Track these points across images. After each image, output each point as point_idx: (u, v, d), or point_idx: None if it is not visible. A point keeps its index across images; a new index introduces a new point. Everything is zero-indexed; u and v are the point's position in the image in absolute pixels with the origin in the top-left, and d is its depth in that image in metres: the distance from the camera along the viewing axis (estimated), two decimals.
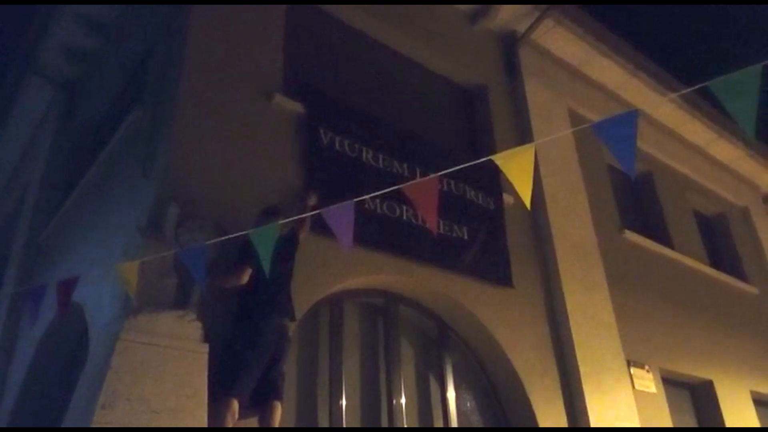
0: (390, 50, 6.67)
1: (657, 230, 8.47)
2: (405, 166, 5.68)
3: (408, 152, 5.80)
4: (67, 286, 3.85)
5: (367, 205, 5.09)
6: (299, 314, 4.31)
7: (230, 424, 3.59)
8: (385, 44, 6.62)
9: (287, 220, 3.77)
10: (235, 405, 3.64)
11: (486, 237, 5.93)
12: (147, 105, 5.21)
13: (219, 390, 3.64)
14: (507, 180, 5.68)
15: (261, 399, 3.84)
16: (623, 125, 2.66)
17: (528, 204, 2.83)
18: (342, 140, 5.39)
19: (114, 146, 5.62)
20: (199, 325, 3.73)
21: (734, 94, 2.42)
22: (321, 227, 4.31)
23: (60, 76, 7.95)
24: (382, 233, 5.20)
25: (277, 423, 3.82)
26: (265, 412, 3.82)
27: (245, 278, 3.94)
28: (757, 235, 10.42)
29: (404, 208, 5.41)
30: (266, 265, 3.24)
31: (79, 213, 6.04)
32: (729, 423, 7.23)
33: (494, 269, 5.86)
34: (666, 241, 8.34)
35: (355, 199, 3.20)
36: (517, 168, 2.87)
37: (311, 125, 5.26)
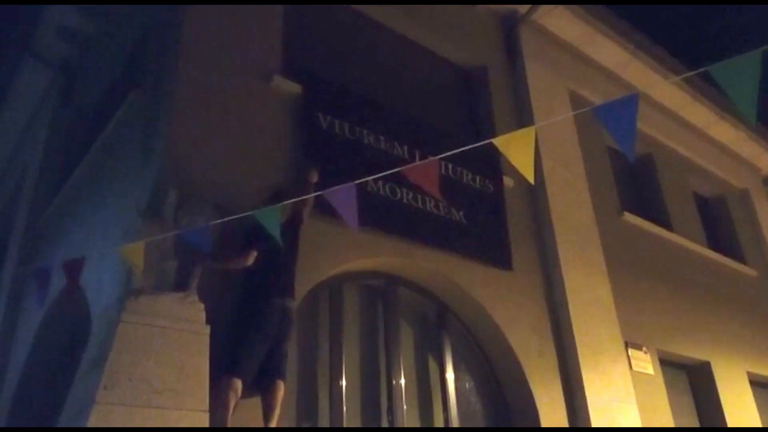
0: (389, 31, 6.63)
1: (656, 212, 8.47)
2: (405, 148, 5.67)
3: (408, 134, 5.79)
4: (74, 265, 3.88)
5: (369, 188, 5.10)
6: (299, 297, 4.34)
7: (232, 403, 3.64)
8: (384, 25, 6.57)
9: (294, 200, 3.78)
10: (238, 384, 3.69)
11: (486, 219, 5.94)
12: (145, 87, 5.20)
13: (222, 369, 3.68)
14: (507, 163, 5.69)
15: (264, 378, 3.88)
16: (623, 109, 2.66)
17: (532, 179, 2.85)
18: (341, 123, 5.38)
19: (113, 129, 5.61)
20: (200, 306, 3.76)
21: (735, 79, 2.41)
22: (320, 209, 4.34)
23: (57, 58, 7.90)
24: (383, 215, 5.20)
25: (279, 401, 3.87)
26: (267, 390, 3.87)
27: (250, 260, 3.99)
28: (757, 217, 10.42)
29: (404, 190, 5.41)
30: (278, 241, 3.33)
31: (78, 196, 6.05)
32: (726, 404, 7.29)
33: (493, 251, 5.88)
34: (665, 223, 8.35)
35: (356, 181, 3.21)
36: (517, 150, 2.88)
37: (310, 108, 5.25)
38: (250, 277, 4.07)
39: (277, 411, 3.86)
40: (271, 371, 3.90)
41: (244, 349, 3.80)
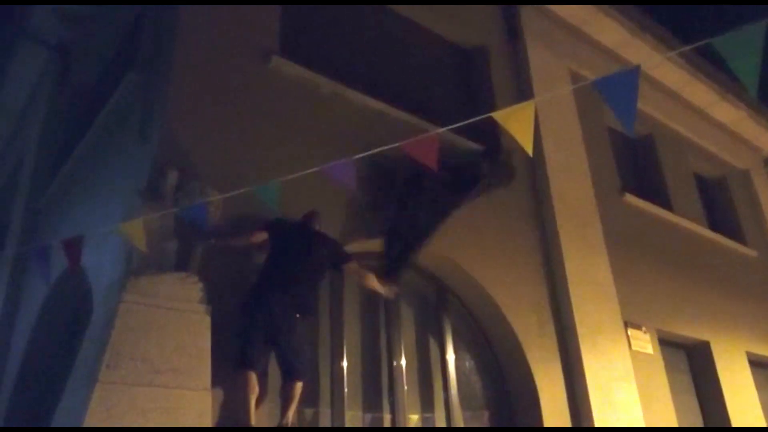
0: (389, 11, 6.56)
1: (657, 193, 8.46)
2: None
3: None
4: (74, 244, 3.90)
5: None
6: None
7: (252, 397, 3.68)
8: (384, 5, 6.51)
9: None
10: (253, 377, 3.72)
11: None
12: (143, 67, 5.16)
13: (234, 363, 3.74)
14: (507, 144, 5.67)
15: (284, 378, 3.94)
16: (624, 82, 2.65)
17: (530, 151, 2.88)
18: None
19: (110, 109, 5.58)
20: (201, 286, 3.78)
21: (737, 52, 2.39)
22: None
23: (54, 39, 7.83)
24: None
25: (296, 399, 3.91)
26: (286, 389, 3.92)
27: (256, 239, 4.08)
28: (758, 198, 10.39)
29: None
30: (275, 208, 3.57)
31: (78, 177, 6.04)
32: (725, 383, 7.34)
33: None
34: (666, 204, 8.34)
35: (355, 156, 3.30)
36: (517, 124, 2.90)
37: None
38: (262, 271, 4.08)
39: (294, 407, 3.90)
40: (289, 373, 3.92)
41: (242, 342, 3.82)
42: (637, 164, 8.80)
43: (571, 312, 6.00)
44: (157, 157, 4.21)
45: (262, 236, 4.07)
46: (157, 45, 5.08)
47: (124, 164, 4.86)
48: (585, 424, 5.59)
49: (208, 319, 3.62)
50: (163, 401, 3.15)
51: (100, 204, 5.12)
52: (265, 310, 3.88)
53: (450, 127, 3.38)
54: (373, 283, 4.46)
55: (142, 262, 3.70)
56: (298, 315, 4.01)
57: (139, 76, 5.13)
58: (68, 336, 5.70)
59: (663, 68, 9.05)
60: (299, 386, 3.92)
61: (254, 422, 3.66)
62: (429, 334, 5.55)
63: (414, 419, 5.09)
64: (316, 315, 4.66)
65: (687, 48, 3.07)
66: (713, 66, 9.42)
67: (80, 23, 7.62)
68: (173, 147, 4.28)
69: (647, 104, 8.71)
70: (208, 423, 3.38)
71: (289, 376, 3.91)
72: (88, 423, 2.89)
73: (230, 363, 3.76)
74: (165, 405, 3.15)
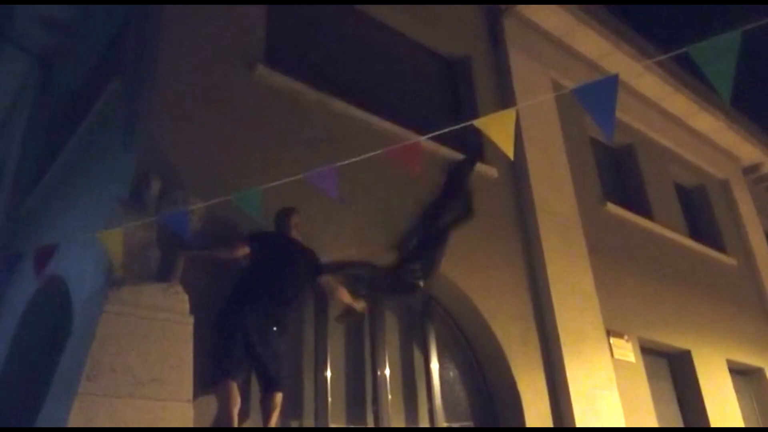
0: (374, 21, 6.59)
1: (638, 202, 8.56)
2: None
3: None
4: (43, 254, 3.85)
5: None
6: None
7: (234, 408, 3.64)
8: (368, 15, 6.54)
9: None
10: (234, 387, 3.68)
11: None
12: (126, 75, 5.13)
13: (215, 372, 3.71)
14: (490, 152, 5.71)
15: (264, 389, 3.91)
16: (603, 90, 2.69)
17: (512, 156, 2.92)
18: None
19: (93, 118, 5.54)
20: (184, 296, 3.74)
21: (713, 60, 2.44)
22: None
23: (36, 46, 7.76)
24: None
25: (277, 409, 3.87)
26: (266, 399, 3.88)
27: (239, 252, 4.03)
28: (737, 206, 10.55)
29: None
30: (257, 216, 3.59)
31: (60, 185, 5.98)
32: (706, 391, 7.41)
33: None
34: (647, 212, 8.43)
35: (339, 164, 3.30)
36: (499, 131, 2.93)
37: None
38: (240, 283, 4.05)
39: (275, 418, 3.87)
40: (268, 384, 3.89)
41: (220, 352, 3.78)
42: (618, 173, 8.90)
43: (554, 320, 6.03)
44: (140, 166, 4.18)
45: (244, 250, 4.04)
46: (141, 52, 5.06)
47: (107, 173, 4.82)
48: None
49: (190, 330, 3.59)
50: (144, 413, 3.11)
51: (82, 213, 5.07)
52: (241, 322, 3.83)
53: (433, 134, 3.40)
54: (345, 296, 4.53)
55: (123, 272, 3.67)
56: (275, 329, 3.97)
57: (123, 84, 5.10)
58: (49, 347, 5.62)
59: (643, 79, 9.19)
60: (279, 397, 3.89)
61: None
62: (413, 343, 5.54)
63: None
64: (295, 328, 4.67)
65: (664, 57, 3.12)
66: (693, 76, 9.58)
67: (63, 30, 7.57)
68: (156, 155, 4.26)
69: (628, 114, 8.83)
70: None
71: (268, 388, 3.88)
72: None
73: (210, 373, 3.73)
74: (146, 417, 3.11)
